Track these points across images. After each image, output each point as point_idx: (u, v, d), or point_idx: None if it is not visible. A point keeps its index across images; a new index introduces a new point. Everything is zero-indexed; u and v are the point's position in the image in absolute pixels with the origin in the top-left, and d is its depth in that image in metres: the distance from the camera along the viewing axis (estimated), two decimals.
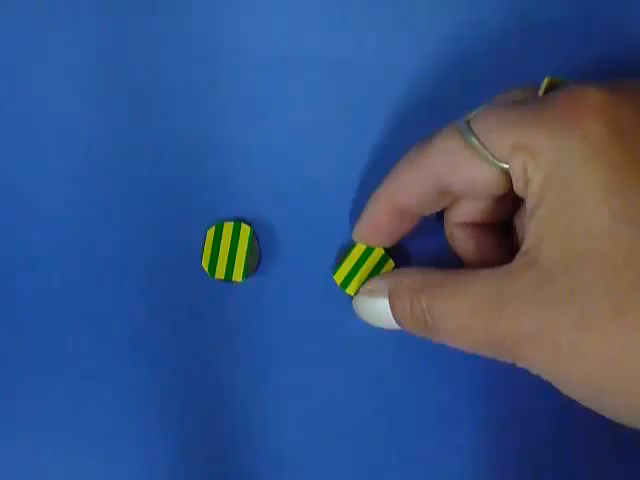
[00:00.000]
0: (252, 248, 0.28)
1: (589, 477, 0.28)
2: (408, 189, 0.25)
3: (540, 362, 0.22)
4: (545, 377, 0.22)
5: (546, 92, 0.23)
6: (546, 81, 0.24)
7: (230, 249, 0.28)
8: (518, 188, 0.23)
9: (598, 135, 0.20)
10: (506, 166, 0.23)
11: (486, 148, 0.23)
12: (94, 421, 0.29)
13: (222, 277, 0.28)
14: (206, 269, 0.28)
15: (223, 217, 0.29)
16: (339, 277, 0.28)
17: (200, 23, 0.29)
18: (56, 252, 0.29)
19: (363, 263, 0.28)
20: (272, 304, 0.29)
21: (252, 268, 0.29)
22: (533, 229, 0.22)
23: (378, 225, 0.27)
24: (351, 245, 0.28)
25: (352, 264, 0.28)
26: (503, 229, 0.27)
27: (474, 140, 0.23)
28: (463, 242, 0.27)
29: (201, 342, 0.29)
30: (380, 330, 0.27)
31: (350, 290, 0.28)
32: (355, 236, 0.28)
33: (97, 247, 0.29)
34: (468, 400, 0.29)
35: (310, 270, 0.29)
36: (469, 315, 0.22)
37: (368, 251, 0.28)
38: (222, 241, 0.28)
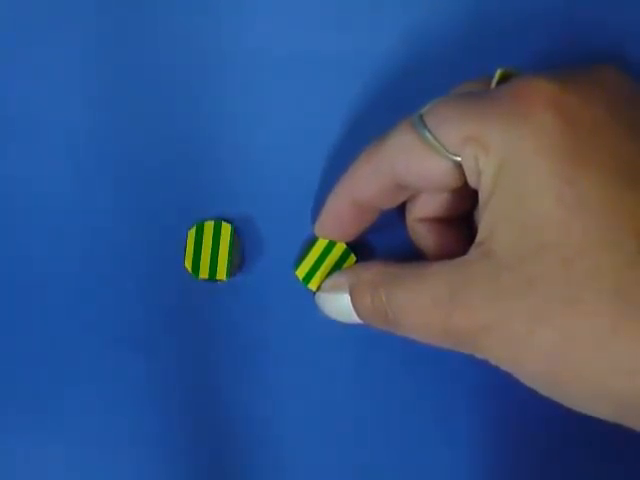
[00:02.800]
0: (234, 246, 0.28)
1: (589, 477, 0.29)
2: (366, 184, 0.25)
3: (497, 353, 0.22)
4: (504, 367, 0.22)
5: (499, 84, 0.24)
6: (499, 73, 0.24)
7: (212, 248, 0.28)
8: (471, 180, 0.23)
9: (548, 126, 0.21)
10: (458, 159, 0.23)
11: (438, 141, 0.23)
12: (83, 420, 0.29)
13: (206, 277, 0.28)
14: (190, 270, 0.28)
15: (204, 217, 0.29)
16: (301, 272, 0.28)
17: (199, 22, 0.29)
18: (37, 253, 0.29)
19: (325, 258, 0.28)
20: (258, 301, 0.29)
21: (236, 266, 0.29)
22: (486, 220, 0.22)
23: (339, 220, 0.27)
24: (313, 240, 0.28)
25: (314, 259, 0.28)
26: (464, 223, 0.27)
27: (427, 133, 0.23)
28: (424, 237, 0.27)
29: (189, 342, 0.29)
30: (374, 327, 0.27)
31: (312, 285, 0.28)
32: (317, 231, 0.28)
33: (81, 251, 0.29)
34: (466, 400, 0.29)
35: (293, 265, 0.29)
36: (428, 307, 0.23)
37: (330, 246, 0.28)
38: (204, 241, 0.28)
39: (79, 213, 0.29)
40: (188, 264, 0.28)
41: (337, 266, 0.28)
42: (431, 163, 0.23)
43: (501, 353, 0.22)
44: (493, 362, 0.22)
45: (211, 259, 0.28)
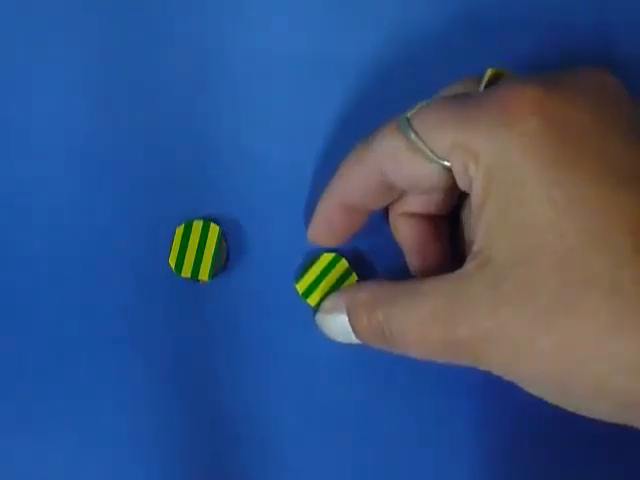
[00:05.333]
0: (220, 248, 0.29)
1: (589, 477, 0.29)
2: (355, 187, 0.26)
3: (500, 362, 0.22)
4: (507, 377, 0.22)
5: (489, 84, 0.24)
6: (489, 73, 0.24)
7: (198, 248, 0.28)
8: (462, 185, 0.23)
9: (535, 131, 0.21)
10: (447, 164, 0.23)
11: (427, 146, 0.23)
12: (83, 420, 0.29)
13: (188, 275, 0.28)
14: (173, 267, 0.28)
15: (193, 216, 0.29)
16: (301, 287, 0.28)
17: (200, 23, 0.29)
18: (35, 253, 0.29)
19: (326, 275, 0.28)
20: (238, 304, 0.29)
21: (219, 268, 0.29)
22: (481, 229, 0.22)
23: (330, 223, 0.27)
24: (316, 256, 0.28)
25: (315, 275, 0.28)
26: (446, 220, 0.27)
27: (414, 138, 0.23)
28: (406, 231, 0.27)
29: (187, 342, 0.29)
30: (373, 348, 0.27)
31: (311, 301, 0.28)
32: (309, 236, 0.28)
33: (67, 242, 0.29)
34: (466, 400, 0.29)
35: (277, 273, 0.29)
36: (426, 324, 0.23)
37: (332, 263, 0.28)
38: (190, 240, 0.28)
39: (77, 213, 0.29)
40: (172, 261, 0.28)
41: (337, 284, 0.28)
42: (419, 167, 0.23)
43: (503, 361, 0.22)
44: (496, 372, 0.22)
45: (195, 258, 0.28)
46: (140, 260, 0.29)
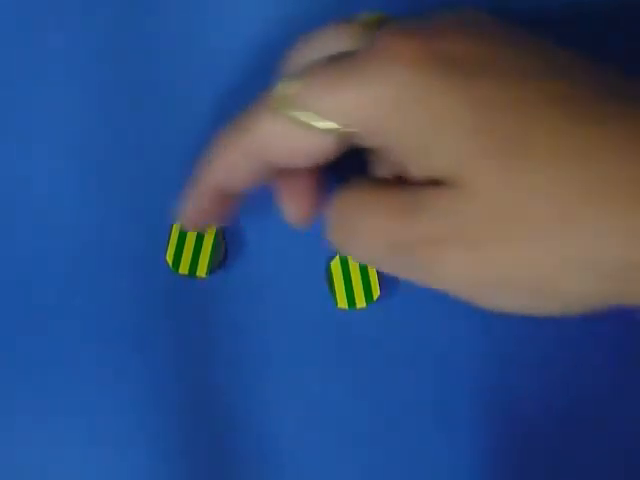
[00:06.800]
0: (217, 244, 0.28)
1: (589, 477, 0.28)
2: (235, 173, 0.24)
3: (458, 264, 0.21)
4: (466, 284, 0.21)
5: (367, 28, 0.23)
6: (368, 20, 0.23)
7: (195, 244, 0.28)
8: (370, 143, 0.22)
9: (428, 68, 0.20)
10: (349, 130, 0.22)
11: (319, 118, 0.22)
12: (82, 420, 0.29)
13: (186, 272, 0.28)
14: (170, 264, 0.28)
15: None
16: (342, 303, 0.28)
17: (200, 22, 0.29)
18: (23, 247, 0.29)
19: (349, 277, 0.28)
20: (236, 301, 0.29)
21: (217, 265, 0.28)
22: (410, 149, 0.21)
23: (204, 210, 0.26)
24: (328, 272, 0.28)
25: (342, 286, 0.28)
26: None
27: (297, 114, 0.22)
28: (288, 184, 0.26)
29: (186, 340, 0.29)
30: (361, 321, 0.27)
31: (360, 303, 0.28)
32: (182, 223, 0.26)
33: (65, 240, 0.29)
34: (466, 399, 0.29)
35: (275, 269, 0.29)
36: (382, 215, 0.22)
37: (344, 266, 0.28)
38: (188, 236, 0.28)
39: (74, 211, 0.29)
40: (169, 258, 0.28)
41: (362, 272, 0.28)
42: (306, 141, 0.22)
43: (463, 262, 0.21)
44: (451, 280, 0.21)
45: (193, 255, 0.28)
46: (138, 257, 0.29)
